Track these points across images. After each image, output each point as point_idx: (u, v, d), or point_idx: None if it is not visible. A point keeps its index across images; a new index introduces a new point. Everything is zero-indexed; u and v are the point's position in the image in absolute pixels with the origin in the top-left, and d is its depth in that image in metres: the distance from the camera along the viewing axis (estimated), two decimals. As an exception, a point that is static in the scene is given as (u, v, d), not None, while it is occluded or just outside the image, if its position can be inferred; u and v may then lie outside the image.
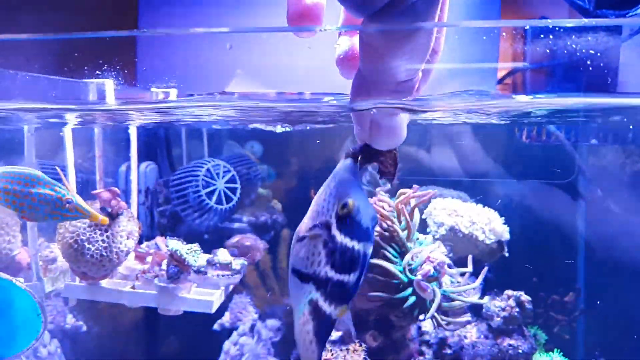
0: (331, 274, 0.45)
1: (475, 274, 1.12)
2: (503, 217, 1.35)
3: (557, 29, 1.53)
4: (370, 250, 0.45)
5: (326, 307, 0.46)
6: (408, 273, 1.04)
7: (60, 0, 1.40)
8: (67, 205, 0.79)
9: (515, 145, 1.53)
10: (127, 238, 0.98)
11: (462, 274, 1.11)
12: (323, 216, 0.45)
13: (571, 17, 1.50)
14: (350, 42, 0.40)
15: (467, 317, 1.14)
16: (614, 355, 1.48)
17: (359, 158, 0.49)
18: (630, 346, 1.44)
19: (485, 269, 1.07)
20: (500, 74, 1.49)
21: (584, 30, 1.51)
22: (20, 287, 0.66)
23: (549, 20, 1.38)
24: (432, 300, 1.03)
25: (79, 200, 0.80)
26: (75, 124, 1.06)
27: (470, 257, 1.11)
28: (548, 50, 1.44)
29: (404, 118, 0.49)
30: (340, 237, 0.44)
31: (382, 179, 0.53)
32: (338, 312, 0.47)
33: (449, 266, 1.13)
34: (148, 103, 0.95)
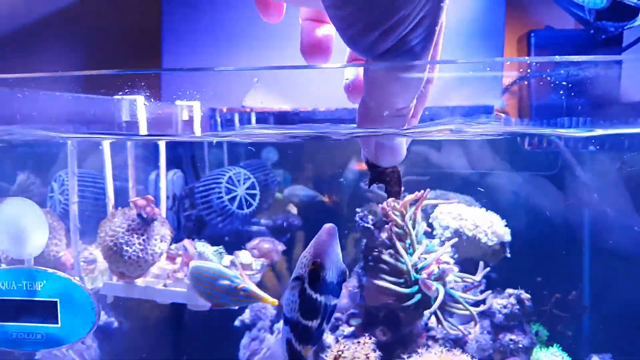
0: (300, 319, 0.56)
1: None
2: (505, 220, 1.43)
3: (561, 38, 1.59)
4: (332, 302, 0.55)
5: (297, 346, 0.57)
6: (414, 272, 1.14)
7: (88, 32, 1.51)
8: (242, 292, 0.91)
9: (519, 151, 1.60)
10: (161, 241, 1.10)
11: (468, 287, 1.20)
12: (301, 270, 0.55)
13: (576, 26, 1.58)
14: (356, 72, 0.46)
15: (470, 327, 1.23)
16: (617, 351, 1.55)
17: (369, 177, 0.58)
18: (632, 342, 1.51)
19: (481, 265, 1.16)
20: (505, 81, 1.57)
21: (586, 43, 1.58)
22: (77, 285, 0.77)
23: (546, 58, 1.46)
24: (437, 298, 1.12)
25: (251, 286, 0.93)
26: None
27: (481, 264, 1.20)
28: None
29: (403, 139, 0.58)
30: (309, 290, 0.54)
31: (391, 198, 0.62)
32: (304, 351, 0.58)
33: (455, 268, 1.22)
34: (177, 136, 1.05)
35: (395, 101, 0.39)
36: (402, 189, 0.60)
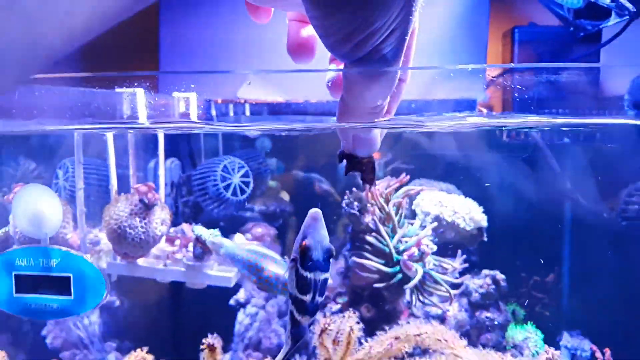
0: (297, 294, 0.65)
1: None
2: (486, 207, 1.53)
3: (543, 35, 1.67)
4: (321, 277, 0.63)
5: (297, 315, 0.67)
6: (395, 254, 1.24)
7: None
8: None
9: (498, 143, 1.70)
10: (161, 224, 1.19)
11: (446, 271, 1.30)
12: (295, 253, 0.64)
13: (558, 23, 1.65)
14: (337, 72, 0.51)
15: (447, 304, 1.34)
16: (590, 328, 1.66)
17: (346, 166, 0.66)
18: (605, 321, 1.61)
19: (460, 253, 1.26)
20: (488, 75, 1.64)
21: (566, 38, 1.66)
22: (89, 262, 0.86)
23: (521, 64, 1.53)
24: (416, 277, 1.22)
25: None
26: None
27: (459, 252, 1.30)
28: (534, 54, 1.60)
29: (378, 132, 0.65)
30: (301, 270, 0.63)
31: (365, 184, 0.71)
32: (303, 320, 0.67)
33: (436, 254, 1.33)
34: (175, 122, 1.12)
35: (370, 100, 0.43)
36: (376, 177, 0.68)
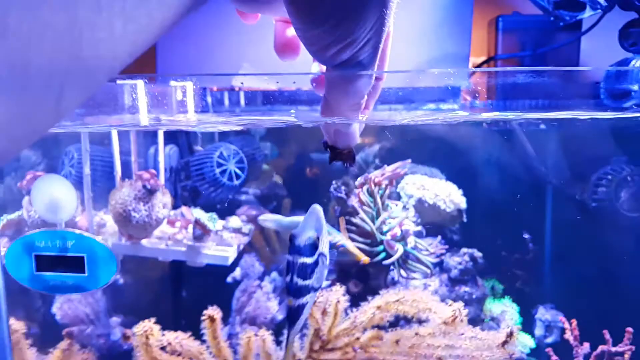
0: (284, 277, 0.73)
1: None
2: (467, 189, 1.64)
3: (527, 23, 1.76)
4: (299, 260, 0.70)
5: (286, 298, 0.73)
6: (379, 234, 1.35)
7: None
8: (341, 248, 1.00)
9: (477, 128, 1.79)
10: (163, 208, 1.28)
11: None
12: None
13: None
14: (320, 68, 0.56)
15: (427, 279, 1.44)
16: (564, 302, 1.78)
17: (329, 156, 0.76)
18: (577, 296, 1.73)
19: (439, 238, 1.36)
20: (472, 61, 1.73)
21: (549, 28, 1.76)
22: (101, 243, 0.96)
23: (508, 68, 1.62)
24: (397, 254, 1.33)
25: (348, 244, 1.03)
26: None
27: (439, 238, 1.40)
28: (518, 42, 1.69)
29: (356, 126, 0.66)
30: (287, 254, 0.72)
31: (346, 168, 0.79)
32: (289, 301, 0.73)
33: (419, 234, 1.43)
34: (176, 124, 1.20)
35: (349, 99, 0.48)
36: (355, 163, 0.77)
